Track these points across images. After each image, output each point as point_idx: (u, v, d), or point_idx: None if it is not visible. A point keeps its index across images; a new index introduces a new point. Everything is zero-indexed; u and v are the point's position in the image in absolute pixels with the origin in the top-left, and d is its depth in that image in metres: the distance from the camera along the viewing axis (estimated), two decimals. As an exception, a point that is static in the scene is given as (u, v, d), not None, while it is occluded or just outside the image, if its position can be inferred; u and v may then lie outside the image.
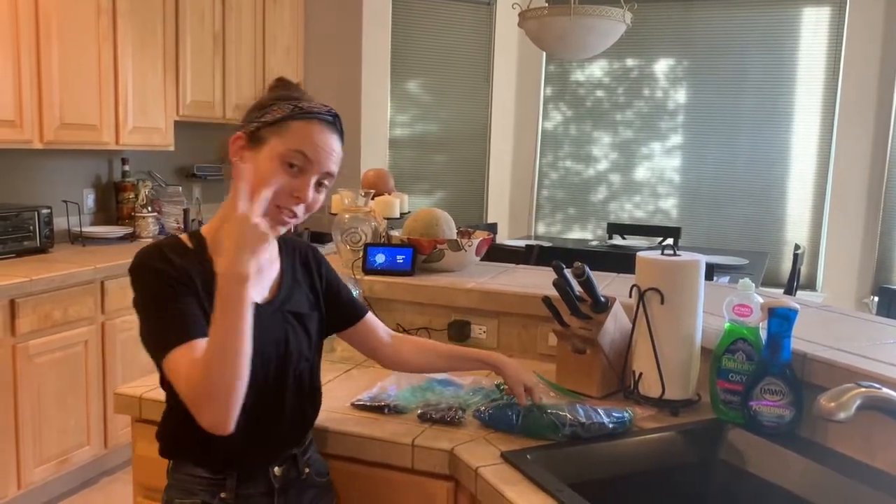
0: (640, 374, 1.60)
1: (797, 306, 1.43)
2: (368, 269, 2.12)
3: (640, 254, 1.63)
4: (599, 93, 5.40)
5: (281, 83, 1.32)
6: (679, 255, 1.59)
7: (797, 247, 4.26)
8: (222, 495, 1.27)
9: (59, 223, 3.62)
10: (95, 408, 3.23)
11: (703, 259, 1.58)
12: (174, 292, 1.17)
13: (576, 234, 5.49)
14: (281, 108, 1.24)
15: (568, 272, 1.65)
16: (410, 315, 2.07)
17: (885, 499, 1.27)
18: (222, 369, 1.07)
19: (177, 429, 1.27)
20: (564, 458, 1.37)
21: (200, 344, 1.12)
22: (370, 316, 1.51)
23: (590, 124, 5.44)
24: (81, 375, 3.15)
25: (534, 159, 5.53)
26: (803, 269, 4.74)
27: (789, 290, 3.90)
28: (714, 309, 1.70)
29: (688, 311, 1.57)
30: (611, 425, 1.42)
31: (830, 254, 4.98)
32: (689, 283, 1.57)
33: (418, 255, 2.13)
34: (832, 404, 1.09)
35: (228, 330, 1.07)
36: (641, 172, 5.35)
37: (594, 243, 4.81)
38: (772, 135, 5.09)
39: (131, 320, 3.37)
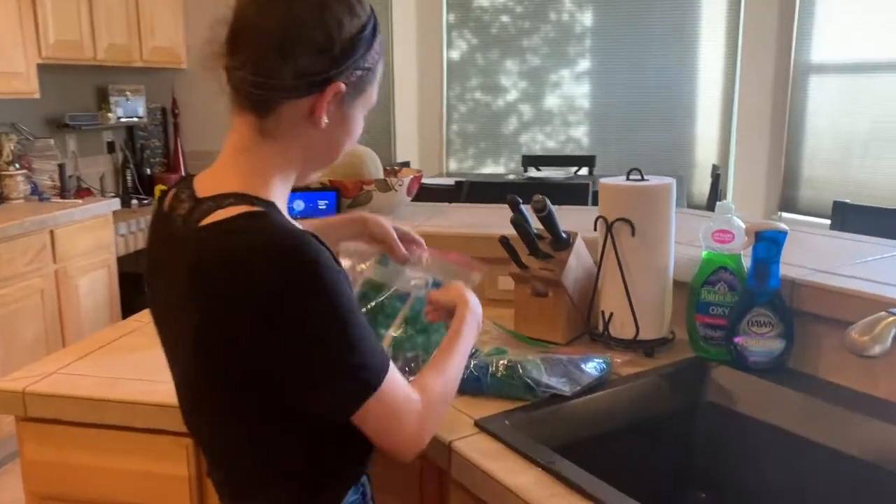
0: (611, 315, 1.44)
1: (786, 228, 1.29)
2: (287, 218, 1.85)
3: (603, 181, 1.44)
4: (505, 18, 5.16)
5: None
6: (647, 180, 1.42)
7: (715, 167, 4.24)
8: None
9: None
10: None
11: (673, 182, 1.42)
12: (352, 298, 0.90)
13: (489, 168, 5.32)
14: (378, 46, 0.96)
15: (525, 207, 1.45)
16: (339, 267, 1.83)
17: (888, 428, 1.17)
18: (451, 399, 1.04)
19: (328, 466, 0.98)
20: (544, 420, 1.19)
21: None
22: None
23: (497, 53, 5.20)
24: (-47, 361, 2.75)
25: (441, 92, 5.27)
26: (709, 188, 4.75)
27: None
28: (680, 237, 1.55)
29: (661, 242, 1.41)
30: (593, 378, 1.25)
31: (739, 173, 5.02)
32: (662, 210, 1.40)
33: (343, 198, 1.88)
34: (865, 338, 0.95)
35: (463, 361, 1.07)
36: (551, 101, 5.19)
37: (511, 177, 4.64)
38: (679, 56, 5.02)
39: (6, 294, 2.96)
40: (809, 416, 1.24)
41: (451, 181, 3.34)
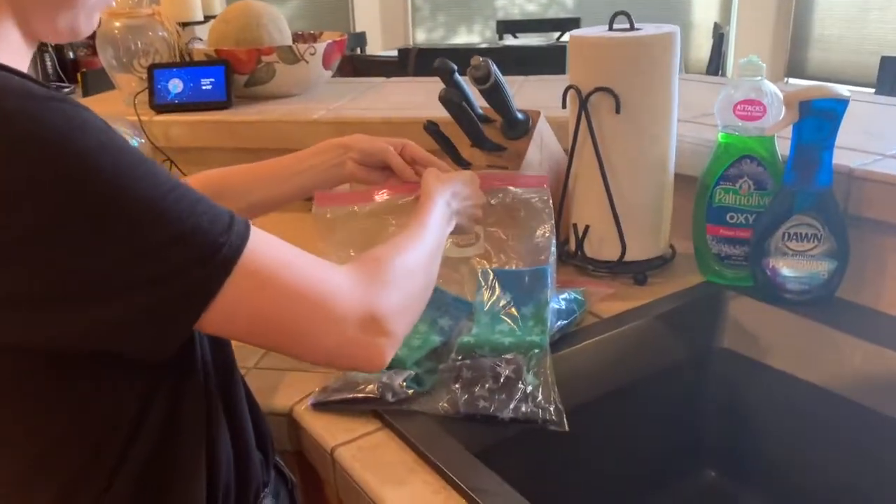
0: (587, 228, 1.03)
1: (846, 94, 0.86)
2: (160, 105, 1.40)
3: (575, 33, 0.99)
4: None
5: None
6: (639, 29, 0.97)
7: (717, 26, 3.71)
8: None
9: None
10: None
11: (676, 31, 0.97)
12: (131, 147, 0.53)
13: (462, 38, 4.75)
14: None
15: (463, 79, 1.00)
16: (233, 168, 1.39)
17: None
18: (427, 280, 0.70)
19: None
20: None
21: None
22: None
23: None
24: None
25: (403, -52, 4.62)
26: (710, 51, 4.22)
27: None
28: (684, 113, 1.11)
29: (658, 120, 0.98)
30: (553, 330, 0.85)
31: (742, 34, 4.48)
32: (660, 73, 0.96)
33: (234, 75, 1.42)
34: None
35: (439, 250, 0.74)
36: (530, -45, 4.56)
37: (483, 46, 4.10)
38: None
39: None
40: (866, 370, 0.86)
41: (392, 51, 2.81)
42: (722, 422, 0.97)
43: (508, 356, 0.78)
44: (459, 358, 0.78)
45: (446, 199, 0.79)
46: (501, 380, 0.76)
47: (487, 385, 0.76)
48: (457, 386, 0.76)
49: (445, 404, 0.75)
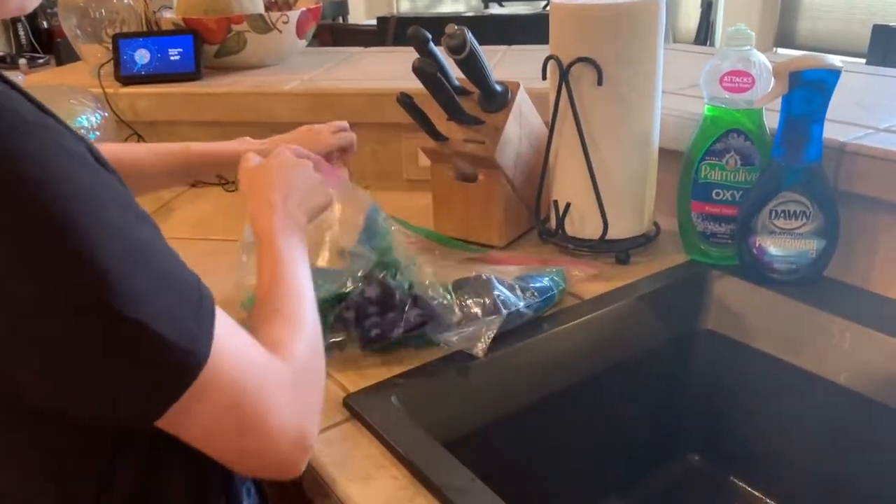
0: (568, 205, 0.99)
1: (839, 64, 0.82)
2: (126, 77, 1.34)
3: (556, 1, 0.94)
4: None
5: None
6: (622, -4, 0.92)
7: (705, -6, 3.64)
8: None
9: None
10: None
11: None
12: (119, 190, 0.46)
13: (447, 6, 4.66)
14: None
15: (439, 49, 0.95)
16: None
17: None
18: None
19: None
20: (461, 386, 0.77)
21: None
22: None
23: None
24: None
25: (386, -86, 4.51)
26: (696, 23, 4.15)
27: (700, 49, 3.34)
28: (669, 84, 1.07)
29: (642, 93, 0.93)
30: (529, 308, 0.82)
31: (730, 2, 4.41)
32: (644, 43, 0.91)
33: (203, 45, 1.36)
34: None
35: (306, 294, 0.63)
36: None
37: (468, 15, 4.02)
38: None
39: None
40: (854, 353, 0.83)
41: (371, 21, 2.74)
42: (706, 405, 0.94)
43: (373, 282, 0.77)
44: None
45: (289, 222, 0.67)
46: (377, 303, 0.77)
47: (370, 314, 0.76)
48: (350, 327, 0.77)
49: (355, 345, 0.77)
